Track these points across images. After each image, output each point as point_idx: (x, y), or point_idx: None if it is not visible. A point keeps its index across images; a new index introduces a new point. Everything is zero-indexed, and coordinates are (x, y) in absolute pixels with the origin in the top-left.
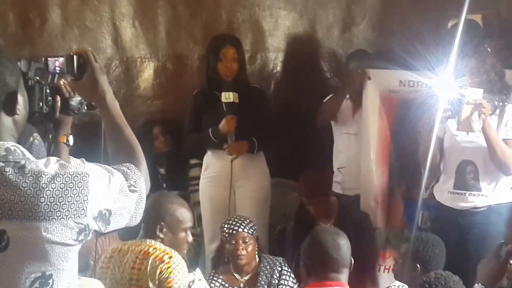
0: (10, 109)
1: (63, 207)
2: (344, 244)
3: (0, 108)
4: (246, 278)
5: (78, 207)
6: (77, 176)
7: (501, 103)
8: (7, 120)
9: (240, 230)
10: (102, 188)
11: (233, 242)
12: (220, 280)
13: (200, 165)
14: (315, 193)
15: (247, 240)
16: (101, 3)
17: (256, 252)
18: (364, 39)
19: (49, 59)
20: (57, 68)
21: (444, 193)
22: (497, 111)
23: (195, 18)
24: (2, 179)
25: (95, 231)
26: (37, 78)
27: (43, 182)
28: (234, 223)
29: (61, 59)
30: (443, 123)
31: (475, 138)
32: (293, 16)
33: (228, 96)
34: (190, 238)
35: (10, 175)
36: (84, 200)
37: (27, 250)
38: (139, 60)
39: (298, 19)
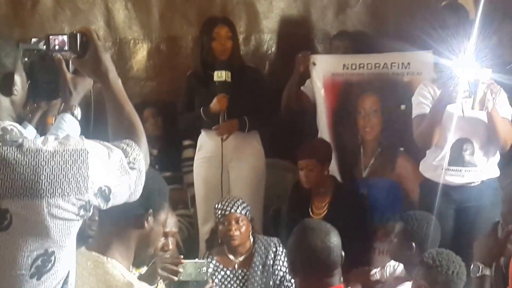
0: (7, 90)
1: (64, 184)
2: (334, 246)
3: None
4: (241, 259)
5: (79, 184)
6: (77, 153)
7: None
8: (5, 100)
9: (232, 211)
10: (102, 165)
11: (226, 223)
12: (214, 261)
13: (193, 146)
14: (308, 154)
15: (240, 221)
16: None
17: (251, 233)
18: (358, 21)
19: (50, 36)
20: (56, 47)
21: (436, 170)
22: None
23: (189, 0)
24: (0, 158)
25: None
26: (26, 59)
27: (42, 159)
28: (226, 204)
29: (60, 37)
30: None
31: (473, 116)
32: None
33: (220, 75)
34: (169, 245)
35: (9, 154)
36: (84, 177)
37: (30, 227)
38: (132, 41)
39: (293, 1)
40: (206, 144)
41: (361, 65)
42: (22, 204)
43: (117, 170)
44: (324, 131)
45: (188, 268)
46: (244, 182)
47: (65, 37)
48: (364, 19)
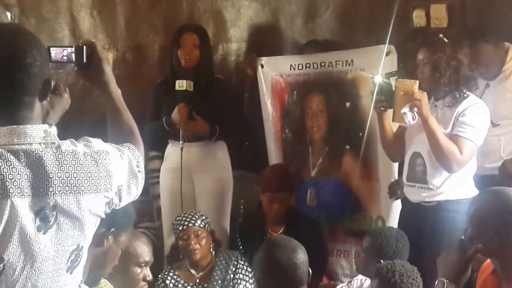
0: (43, 96)
1: (97, 181)
2: (301, 262)
3: (36, 95)
4: (202, 273)
5: (106, 182)
6: (102, 153)
7: (458, 95)
8: (38, 105)
9: (190, 224)
10: (117, 165)
11: (185, 238)
12: (175, 277)
13: (159, 157)
14: (284, 187)
15: (199, 234)
16: None
17: (212, 246)
18: (327, 29)
19: (51, 48)
20: (65, 58)
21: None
22: (450, 103)
23: (155, 8)
24: (47, 158)
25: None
26: None
27: (79, 159)
28: (184, 218)
29: (69, 49)
30: (380, 113)
31: (421, 129)
32: (255, 6)
33: (181, 84)
34: (149, 276)
35: (52, 155)
36: (110, 176)
37: (71, 223)
38: None
39: (261, 9)
40: (172, 155)
41: (307, 65)
42: (67, 201)
43: (127, 171)
44: (270, 136)
45: None
46: (210, 195)
47: (69, 49)
48: (333, 27)
